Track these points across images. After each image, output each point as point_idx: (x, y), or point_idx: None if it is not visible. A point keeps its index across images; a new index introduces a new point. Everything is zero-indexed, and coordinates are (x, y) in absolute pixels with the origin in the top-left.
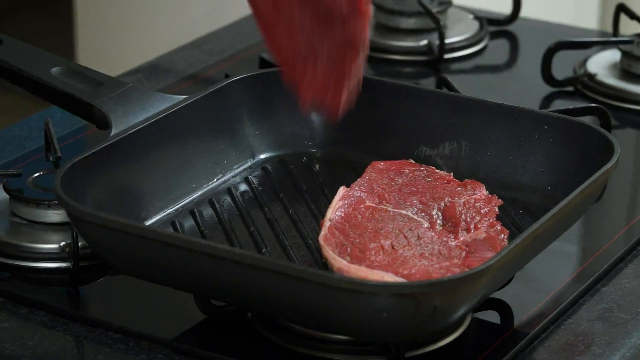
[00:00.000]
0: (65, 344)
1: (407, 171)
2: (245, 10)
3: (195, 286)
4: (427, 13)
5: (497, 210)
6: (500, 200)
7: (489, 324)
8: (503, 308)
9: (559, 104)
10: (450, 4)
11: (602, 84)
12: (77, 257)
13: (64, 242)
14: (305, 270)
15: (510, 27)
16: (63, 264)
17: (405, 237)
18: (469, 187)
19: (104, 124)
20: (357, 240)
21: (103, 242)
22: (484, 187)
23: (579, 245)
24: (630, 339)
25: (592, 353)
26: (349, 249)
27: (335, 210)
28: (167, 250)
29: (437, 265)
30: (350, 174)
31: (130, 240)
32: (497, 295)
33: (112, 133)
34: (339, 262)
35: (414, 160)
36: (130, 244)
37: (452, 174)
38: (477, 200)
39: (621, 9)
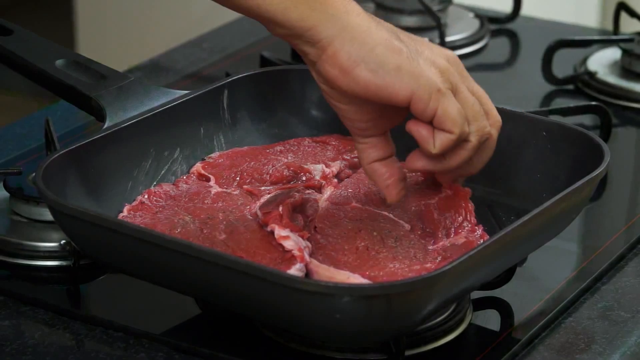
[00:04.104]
0: (65, 342)
1: None
2: None
3: (161, 279)
4: (428, 11)
5: (471, 204)
6: (467, 188)
7: (490, 322)
8: (503, 306)
9: (560, 103)
10: (450, 2)
11: (602, 82)
12: (77, 255)
13: (64, 240)
14: (258, 268)
15: (511, 26)
16: (63, 262)
17: (383, 239)
18: (430, 183)
19: (101, 117)
20: (333, 240)
21: (77, 233)
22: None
23: (580, 244)
24: (631, 337)
25: (593, 351)
26: (323, 248)
27: (321, 209)
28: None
29: (407, 269)
30: None
31: (100, 233)
32: (497, 293)
33: (105, 126)
34: (310, 262)
35: None
36: (101, 236)
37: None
38: (448, 198)
39: (622, 7)
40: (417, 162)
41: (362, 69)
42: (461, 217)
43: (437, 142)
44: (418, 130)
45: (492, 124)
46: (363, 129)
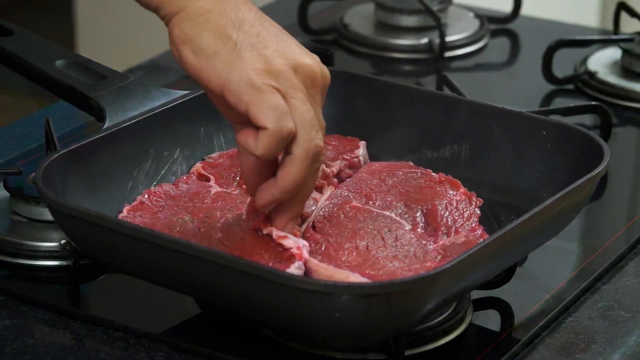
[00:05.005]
0: (65, 342)
1: (400, 173)
2: None
3: (161, 279)
4: (428, 11)
5: (478, 211)
6: (480, 199)
7: (490, 322)
8: (503, 306)
9: (560, 102)
10: (450, 2)
11: (602, 82)
12: (77, 255)
13: (64, 240)
14: (258, 267)
15: (511, 25)
16: (63, 262)
17: (382, 238)
18: (447, 186)
19: (100, 117)
20: (333, 239)
21: (77, 233)
22: (461, 184)
23: (580, 244)
24: (631, 337)
25: (593, 351)
26: (323, 247)
27: (319, 209)
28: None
29: (406, 268)
30: None
31: (100, 233)
32: (497, 293)
33: (105, 126)
34: (309, 261)
35: (414, 162)
36: (101, 236)
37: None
38: (459, 202)
39: (622, 6)
40: (259, 197)
41: (187, 49)
42: (463, 219)
43: (258, 141)
44: (245, 137)
45: None
46: (226, 115)
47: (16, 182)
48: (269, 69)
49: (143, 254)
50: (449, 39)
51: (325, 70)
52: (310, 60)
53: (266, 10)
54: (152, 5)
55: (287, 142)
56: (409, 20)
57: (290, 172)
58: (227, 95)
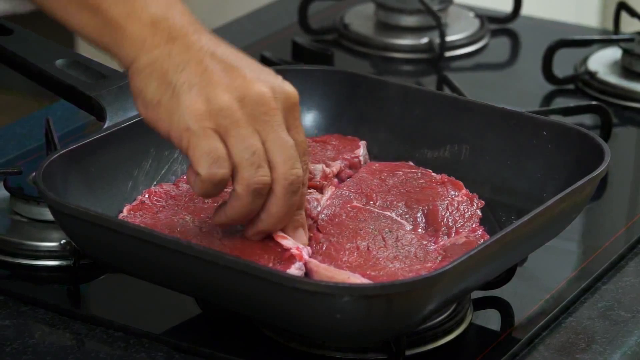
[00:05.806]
0: (65, 342)
1: (400, 173)
2: (246, 8)
3: (162, 279)
4: (428, 11)
5: (479, 213)
6: (482, 200)
7: (490, 322)
8: (503, 306)
9: (560, 102)
10: (451, 2)
11: (603, 82)
12: (77, 254)
13: (64, 240)
14: (258, 267)
15: (511, 25)
16: (64, 262)
17: (383, 239)
18: (449, 187)
19: (101, 117)
20: (334, 239)
21: (77, 233)
22: (463, 186)
23: (580, 243)
24: (631, 337)
25: (593, 351)
26: (324, 247)
27: (322, 209)
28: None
29: (407, 268)
30: None
31: (100, 233)
32: (497, 293)
33: (105, 126)
34: (310, 262)
35: (415, 162)
36: (101, 236)
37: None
38: (460, 203)
39: (622, 6)
40: (214, 216)
41: (139, 102)
42: (464, 220)
43: (195, 183)
44: (189, 175)
45: (275, 177)
46: None
47: (16, 182)
48: (208, 109)
49: (143, 254)
50: (449, 38)
51: (286, 91)
52: (260, 87)
53: (266, 10)
54: (111, 55)
55: (224, 184)
56: (409, 20)
57: (234, 206)
58: (172, 142)
